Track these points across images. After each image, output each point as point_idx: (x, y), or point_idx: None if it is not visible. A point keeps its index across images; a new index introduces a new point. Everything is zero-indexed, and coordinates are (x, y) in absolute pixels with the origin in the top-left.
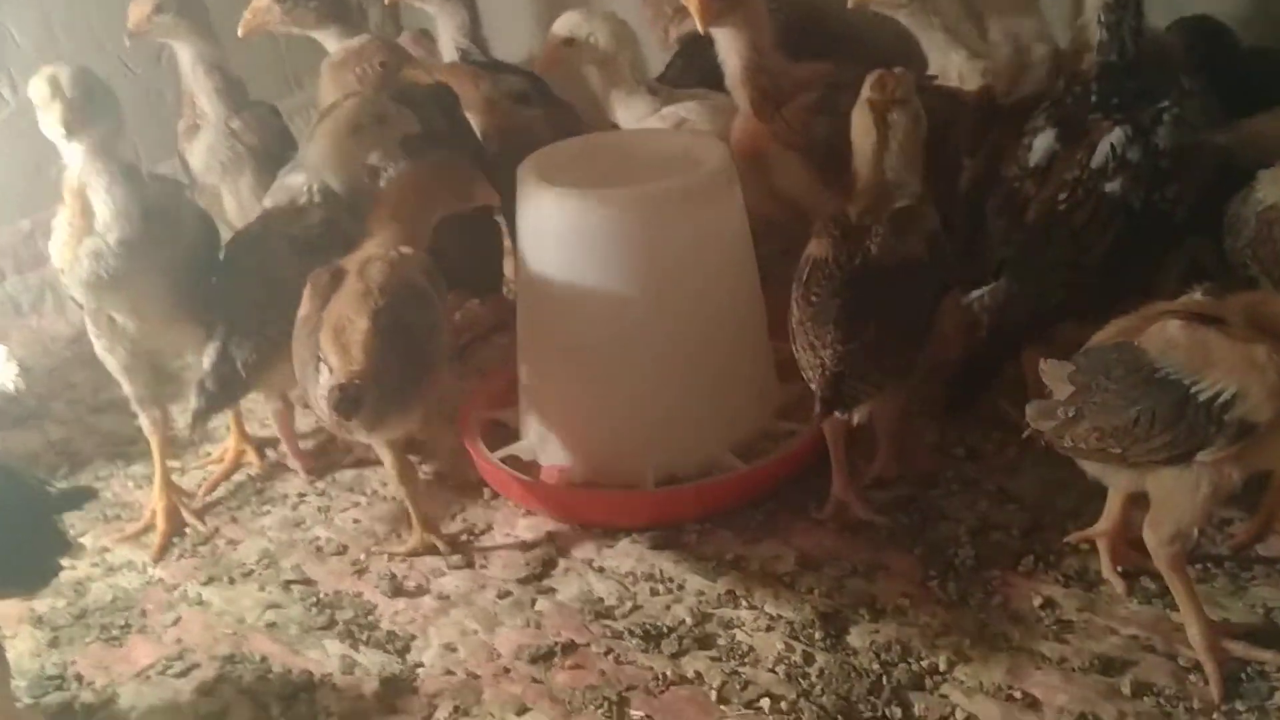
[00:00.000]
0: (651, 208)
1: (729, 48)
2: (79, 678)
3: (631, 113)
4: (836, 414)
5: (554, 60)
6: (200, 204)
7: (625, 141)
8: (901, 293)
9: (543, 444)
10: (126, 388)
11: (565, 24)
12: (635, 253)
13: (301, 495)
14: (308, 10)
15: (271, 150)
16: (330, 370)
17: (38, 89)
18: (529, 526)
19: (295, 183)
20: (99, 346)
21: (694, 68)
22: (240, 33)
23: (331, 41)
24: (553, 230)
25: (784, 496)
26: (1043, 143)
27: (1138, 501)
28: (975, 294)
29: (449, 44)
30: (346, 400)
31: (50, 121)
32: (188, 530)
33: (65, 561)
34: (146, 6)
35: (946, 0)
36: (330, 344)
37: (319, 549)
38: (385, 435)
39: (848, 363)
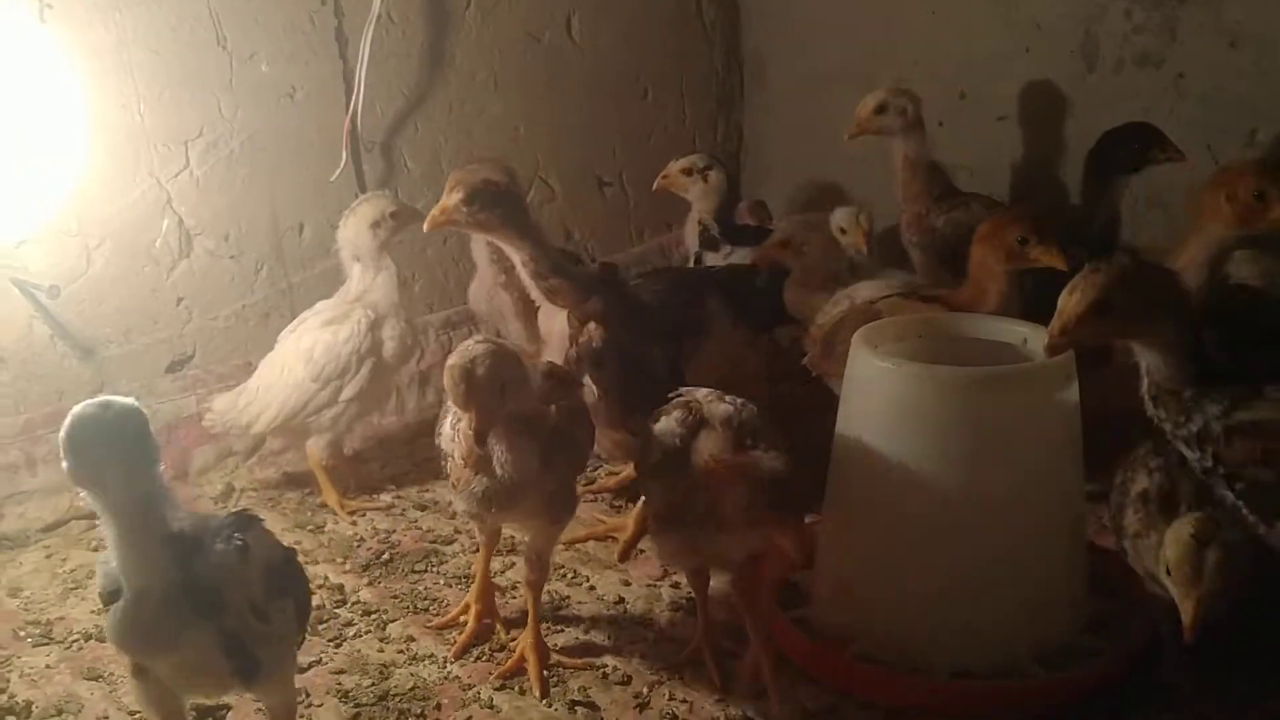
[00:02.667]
0: (985, 390)
1: None
2: None
3: None
4: None
5: None
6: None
7: (963, 323)
8: None
9: (835, 611)
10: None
11: None
12: (962, 434)
13: (594, 619)
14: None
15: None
16: None
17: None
18: (811, 694)
19: None
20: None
21: None
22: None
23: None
24: (880, 401)
25: (1080, 715)
26: None
27: None
28: None
29: (693, 220)
30: None
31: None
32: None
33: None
34: (456, 196)
35: None
36: None
37: (605, 675)
38: None
39: None
